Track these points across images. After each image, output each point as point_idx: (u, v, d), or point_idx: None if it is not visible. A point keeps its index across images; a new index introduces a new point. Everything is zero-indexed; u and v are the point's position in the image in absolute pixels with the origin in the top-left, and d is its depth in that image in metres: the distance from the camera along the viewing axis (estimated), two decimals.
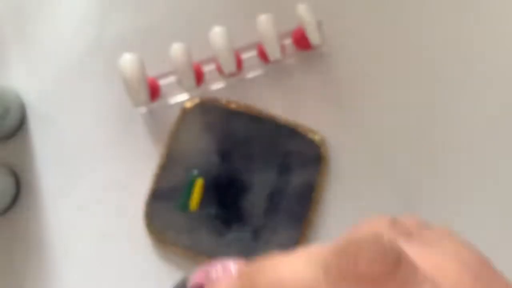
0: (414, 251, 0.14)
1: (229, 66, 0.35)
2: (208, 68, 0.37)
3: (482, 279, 0.15)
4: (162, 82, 0.37)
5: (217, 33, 0.34)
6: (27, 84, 0.41)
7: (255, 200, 0.36)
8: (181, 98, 0.39)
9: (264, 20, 0.34)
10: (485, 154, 0.37)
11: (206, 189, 0.37)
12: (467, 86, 0.38)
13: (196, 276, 0.21)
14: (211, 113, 0.37)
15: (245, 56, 0.37)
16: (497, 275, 0.15)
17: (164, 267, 0.37)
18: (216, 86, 0.39)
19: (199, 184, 0.36)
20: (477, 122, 0.38)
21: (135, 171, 0.38)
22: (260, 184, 0.36)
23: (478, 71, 0.38)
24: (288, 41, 0.37)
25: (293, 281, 0.15)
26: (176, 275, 0.37)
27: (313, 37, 0.35)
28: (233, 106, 0.37)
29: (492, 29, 0.39)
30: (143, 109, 0.39)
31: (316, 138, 0.37)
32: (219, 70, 0.37)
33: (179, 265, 0.37)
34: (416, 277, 0.14)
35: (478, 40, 0.39)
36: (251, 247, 0.36)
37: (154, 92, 0.36)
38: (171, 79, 0.37)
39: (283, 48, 0.36)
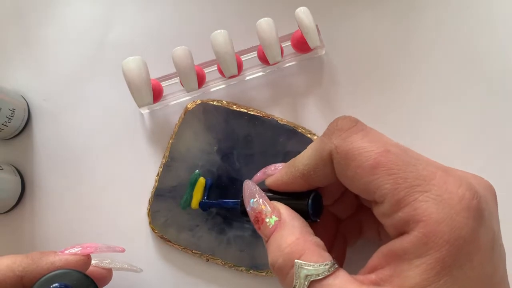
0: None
1: (230, 69, 0.35)
2: (209, 70, 0.38)
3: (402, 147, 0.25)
4: (165, 84, 0.38)
5: (218, 36, 0.35)
6: (32, 85, 0.41)
7: None
8: (183, 99, 0.39)
9: (264, 24, 0.35)
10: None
11: (207, 188, 0.37)
12: (456, 81, 0.39)
13: (255, 176, 0.31)
14: (212, 113, 0.38)
15: (245, 58, 0.38)
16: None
17: (166, 264, 0.38)
18: (217, 87, 0.39)
19: (200, 183, 0.37)
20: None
21: (138, 171, 0.39)
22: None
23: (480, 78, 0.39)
24: (287, 44, 0.37)
25: (310, 150, 0.27)
26: (177, 272, 0.38)
27: (312, 40, 0.35)
28: (233, 106, 0.38)
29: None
30: (146, 110, 0.39)
31: (315, 138, 0.37)
32: (220, 72, 0.37)
33: (180, 262, 0.38)
34: (366, 126, 0.26)
35: (480, 46, 0.39)
36: (251, 245, 0.36)
37: (157, 93, 0.36)
38: (174, 81, 0.38)
39: (282, 50, 0.36)
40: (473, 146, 0.38)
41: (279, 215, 0.27)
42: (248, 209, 0.28)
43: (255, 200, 0.28)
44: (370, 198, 0.25)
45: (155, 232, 0.37)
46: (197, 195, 0.37)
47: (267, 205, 0.27)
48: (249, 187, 0.29)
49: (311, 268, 0.24)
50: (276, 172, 0.29)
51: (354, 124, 0.26)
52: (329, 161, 0.26)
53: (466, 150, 0.37)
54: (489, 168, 0.37)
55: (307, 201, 0.28)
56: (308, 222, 0.27)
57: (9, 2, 0.42)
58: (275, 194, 0.29)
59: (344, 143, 0.25)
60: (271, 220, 0.27)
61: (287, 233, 0.26)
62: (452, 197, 0.22)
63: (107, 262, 0.33)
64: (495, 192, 0.25)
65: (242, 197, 0.29)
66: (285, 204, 0.28)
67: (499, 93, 0.38)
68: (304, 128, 0.37)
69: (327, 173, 0.27)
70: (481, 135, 0.38)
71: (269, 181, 0.30)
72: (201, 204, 0.37)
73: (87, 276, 0.27)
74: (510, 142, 0.37)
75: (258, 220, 0.27)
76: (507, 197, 0.29)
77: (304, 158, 0.28)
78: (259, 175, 0.31)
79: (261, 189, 0.29)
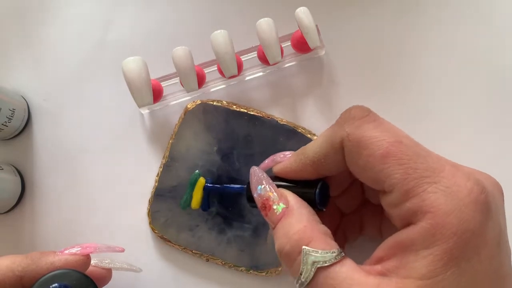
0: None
1: (230, 69, 0.35)
2: (209, 70, 0.38)
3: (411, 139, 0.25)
4: (165, 84, 0.38)
5: (218, 36, 0.35)
6: (32, 85, 0.41)
7: None
8: (183, 99, 0.39)
9: (264, 24, 0.35)
10: None
11: (207, 189, 0.37)
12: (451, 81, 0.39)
13: (263, 163, 0.31)
14: (212, 113, 0.38)
15: (245, 58, 0.38)
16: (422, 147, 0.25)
17: (166, 264, 0.38)
18: (217, 87, 0.39)
19: (200, 183, 0.37)
20: None
21: (138, 171, 0.39)
22: None
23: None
24: (287, 44, 0.37)
25: (321, 139, 0.28)
26: (177, 272, 0.38)
27: (312, 40, 0.35)
28: (233, 107, 0.38)
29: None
30: (146, 110, 0.39)
31: (315, 138, 0.37)
32: (220, 72, 0.37)
33: (180, 262, 0.38)
34: (378, 117, 0.26)
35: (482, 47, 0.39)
36: (251, 245, 0.36)
37: (157, 93, 0.37)
38: (174, 81, 0.38)
39: (282, 51, 0.36)
40: (473, 146, 0.37)
41: (286, 202, 0.27)
42: (255, 196, 0.28)
43: (263, 187, 0.28)
44: (379, 188, 0.25)
45: (155, 232, 0.37)
46: (197, 195, 0.37)
47: (275, 192, 0.27)
48: (256, 173, 0.29)
49: (318, 255, 0.24)
50: (285, 160, 0.29)
51: (367, 114, 0.26)
52: (340, 149, 0.26)
53: (466, 150, 0.37)
54: (490, 167, 0.37)
55: (314, 190, 0.28)
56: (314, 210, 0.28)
57: (9, 2, 0.42)
58: (282, 181, 0.29)
59: (356, 131, 0.25)
60: (278, 207, 0.27)
61: (295, 220, 0.26)
62: (460, 190, 0.23)
63: (106, 262, 0.33)
64: (502, 190, 0.25)
65: (248, 183, 0.29)
66: (292, 192, 0.28)
67: (499, 92, 0.38)
68: (304, 128, 0.37)
69: (337, 161, 0.27)
70: (482, 135, 0.38)
71: (277, 168, 0.30)
72: (205, 188, 0.37)
73: (86, 276, 0.27)
74: (511, 141, 0.37)
75: (265, 207, 0.27)
76: (509, 196, 0.29)
77: (315, 146, 0.28)
78: (267, 162, 0.31)
79: (268, 176, 0.29)
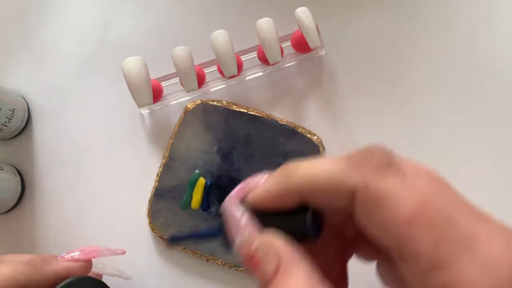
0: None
1: (230, 69, 0.35)
2: (209, 70, 0.38)
3: (442, 184, 0.21)
4: (165, 84, 0.38)
5: (218, 37, 0.35)
6: (32, 85, 0.41)
7: None
8: (183, 99, 0.39)
9: (264, 24, 0.35)
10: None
11: (208, 188, 0.37)
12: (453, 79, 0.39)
13: (235, 192, 0.24)
14: (212, 113, 0.38)
15: (245, 58, 0.38)
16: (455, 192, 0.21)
17: (166, 264, 0.38)
18: (217, 87, 0.39)
19: (200, 183, 0.37)
20: None
21: (138, 171, 0.39)
22: None
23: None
24: (287, 44, 0.37)
25: (322, 170, 0.22)
26: (177, 272, 0.38)
27: (312, 40, 0.35)
28: (233, 106, 0.38)
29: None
30: (146, 110, 0.39)
31: (315, 138, 0.37)
32: (220, 72, 0.37)
33: (180, 262, 0.38)
34: (402, 164, 0.21)
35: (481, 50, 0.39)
36: None
37: (157, 93, 0.37)
38: (174, 81, 0.38)
39: (282, 50, 0.36)
40: (473, 147, 0.37)
41: (278, 257, 0.22)
42: (234, 249, 0.23)
43: (244, 238, 0.23)
44: (398, 252, 0.21)
45: (155, 232, 0.37)
46: (197, 195, 0.37)
47: (262, 243, 0.22)
48: (233, 214, 0.23)
49: None
50: (260, 185, 0.24)
51: (391, 161, 0.22)
52: (350, 196, 0.21)
53: (467, 150, 0.37)
54: (490, 167, 0.37)
55: (305, 220, 0.22)
56: (306, 241, 0.22)
57: (9, 2, 0.42)
58: (260, 214, 0.23)
59: (377, 184, 0.21)
60: (269, 263, 0.22)
61: (293, 283, 0.21)
62: (500, 264, 0.20)
63: (99, 266, 0.33)
64: None
65: (221, 224, 0.23)
66: (277, 225, 0.22)
67: (499, 92, 0.38)
68: (304, 128, 0.37)
69: (339, 206, 0.22)
70: (482, 135, 0.38)
71: (252, 198, 0.24)
72: (169, 240, 0.28)
73: (101, 282, 0.27)
74: (510, 140, 0.37)
75: (251, 263, 0.22)
76: (509, 196, 0.29)
77: (311, 175, 0.22)
78: (236, 191, 0.25)
79: (244, 207, 0.23)
